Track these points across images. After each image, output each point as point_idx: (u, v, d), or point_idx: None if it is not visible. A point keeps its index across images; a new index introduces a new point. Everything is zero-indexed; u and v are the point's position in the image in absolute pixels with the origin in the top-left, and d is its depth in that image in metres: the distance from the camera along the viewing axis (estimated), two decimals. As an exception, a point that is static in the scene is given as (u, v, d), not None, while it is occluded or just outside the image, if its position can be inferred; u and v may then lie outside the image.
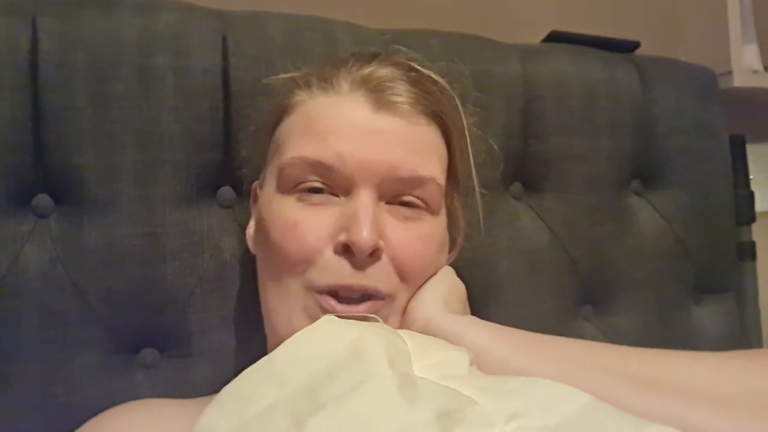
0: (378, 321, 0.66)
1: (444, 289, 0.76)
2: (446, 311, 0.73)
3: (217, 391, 0.73)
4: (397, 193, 0.73)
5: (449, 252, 0.83)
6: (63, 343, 0.82)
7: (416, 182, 0.73)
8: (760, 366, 0.60)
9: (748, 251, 1.25)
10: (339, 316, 0.64)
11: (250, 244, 0.82)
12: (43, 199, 0.84)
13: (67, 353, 0.82)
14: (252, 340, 0.83)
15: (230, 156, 0.90)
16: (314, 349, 0.56)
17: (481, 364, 0.64)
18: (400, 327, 0.73)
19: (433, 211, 0.76)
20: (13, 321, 0.81)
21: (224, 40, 0.90)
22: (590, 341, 0.70)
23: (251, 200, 0.84)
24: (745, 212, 1.25)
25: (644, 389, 0.59)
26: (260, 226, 0.77)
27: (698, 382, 0.59)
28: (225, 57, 0.90)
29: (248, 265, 0.84)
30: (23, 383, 0.81)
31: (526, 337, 0.69)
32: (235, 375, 0.57)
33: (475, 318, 0.74)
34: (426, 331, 0.70)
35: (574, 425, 0.49)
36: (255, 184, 0.83)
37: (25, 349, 0.81)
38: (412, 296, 0.75)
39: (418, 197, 0.74)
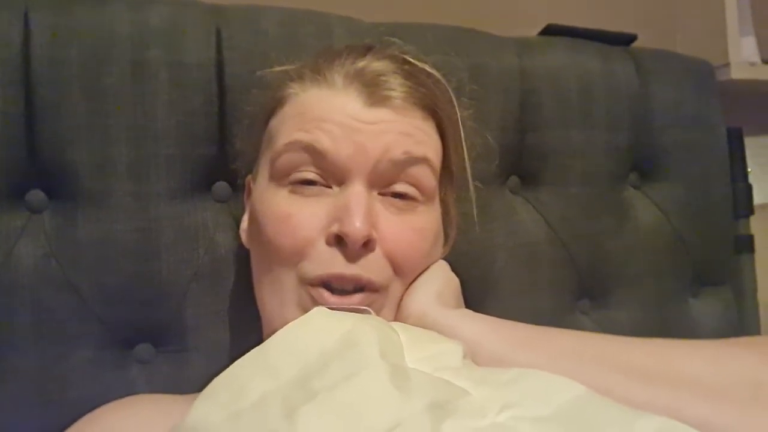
0: (370, 313, 0.66)
1: (438, 284, 0.76)
2: (440, 305, 0.73)
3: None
4: (390, 180, 0.72)
5: (443, 246, 0.82)
6: (57, 339, 0.82)
7: (409, 163, 0.73)
8: (757, 354, 0.60)
9: (746, 244, 1.25)
10: (331, 308, 0.63)
11: (243, 237, 0.82)
12: (36, 195, 0.84)
13: (61, 349, 0.82)
14: (247, 335, 0.82)
15: (225, 150, 0.89)
16: (306, 340, 0.56)
17: (475, 357, 0.64)
18: (395, 321, 0.73)
19: (427, 199, 0.75)
20: (7, 317, 0.80)
21: (218, 33, 0.90)
22: (585, 332, 0.70)
23: (245, 194, 0.84)
24: (743, 205, 1.24)
25: (639, 380, 0.59)
26: (253, 219, 0.77)
27: (694, 372, 0.59)
28: (219, 51, 0.89)
29: (243, 259, 0.84)
30: (17, 380, 0.81)
31: (520, 330, 0.69)
32: (230, 369, 0.57)
33: (469, 311, 0.74)
34: (420, 325, 0.70)
35: (567, 416, 0.49)
36: (249, 178, 0.83)
37: (19, 346, 0.81)
38: (406, 289, 0.75)
39: (411, 183, 0.73)
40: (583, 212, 1.09)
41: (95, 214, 0.84)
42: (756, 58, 1.44)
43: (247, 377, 0.54)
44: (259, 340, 0.76)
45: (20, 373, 0.81)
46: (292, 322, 0.59)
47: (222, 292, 0.89)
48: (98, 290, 0.84)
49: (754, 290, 1.26)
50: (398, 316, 0.74)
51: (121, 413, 0.75)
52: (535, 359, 0.64)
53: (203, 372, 0.86)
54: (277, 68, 0.82)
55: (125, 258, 0.85)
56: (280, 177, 0.73)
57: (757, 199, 1.27)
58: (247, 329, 0.82)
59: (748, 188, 1.26)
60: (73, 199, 0.84)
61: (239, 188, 0.89)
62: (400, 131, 0.73)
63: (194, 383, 0.82)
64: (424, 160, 0.74)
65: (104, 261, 0.84)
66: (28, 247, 0.82)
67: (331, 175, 0.71)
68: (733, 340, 0.65)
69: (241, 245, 0.84)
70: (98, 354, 0.84)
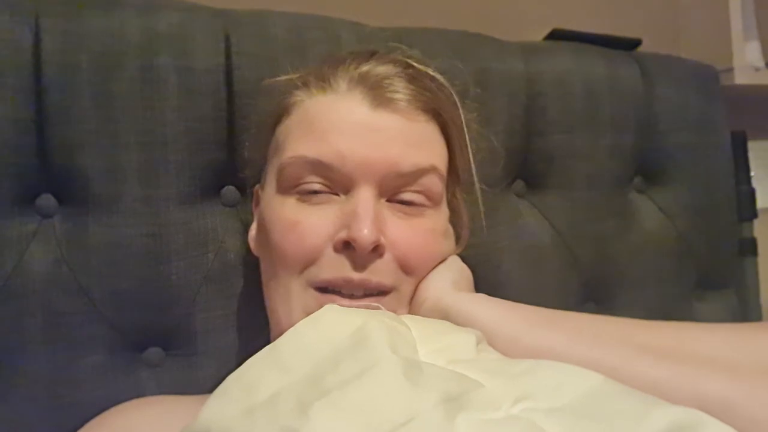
0: (380, 308, 0.66)
1: (453, 273, 0.77)
2: (456, 290, 0.74)
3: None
4: (398, 189, 0.73)
5: (456, 246, 0.83)
6: (68, 343, 0.83)
7: (417, 174, 0.73)
8: None
9: (750, 248, 1.25)
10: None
11: (252, 245, 0.83)
12: (47, 199, 0.84)
13: (72, 353, 0.83)
14: (256, 339, 0.82)
15: (234, 155, 0.90)
16: (318, 337, 0.56)
17: (493, 340, 0.65)
18: (410, 309, 0.74)
19: (434, 204, 0.76)
20: (18, 322, 0.81)
21: (227, 39, 0.90)
22: (601, 315, 0.70)
23: (253, 203, 0.85)
24: (747, 209, 1.25)
25: (657, 358, 0.59)
26: (262, 227, 0.78)
27: (710, 350, 0.60)
28: (228, 56, 0.90)
29: (252, 264, 0.84)
30: (29, 384, 0.81)
31: (537, 313, 0.70)
32: (240, 372, 0.58)
33: (484, 295, 0.74)
34: (436, 309, 0.71)
35: (582, 406, 0.49)
36: (257, 187, 0.83)
37: (31, 350, 0.81)
38: (417, 285, 0.75)
39: (419, 192, 0.74)
40: (588, 216, 1.09)
41: (105, 219, 0.84)
42: (760, 62, 1.44)
43: (259, 375, 0.54)
44: (268, 344, 0.77)
45: (31, 376, 0.81)
46: (303, 320, 0.60)
47: (231, 296, 0.90)
48: (109, 294, 0.84)
49: (758, 293, 1.26)
50: (414, 301, 0.74)
51: (130, 415, 0.76)
52: (554, 339, 0.64)
53: (212, 375, 0.87)
54: (283, 77, 0.82)
55: (135, 262, 0.85)
56: (287, 187, 0.74)
57: (761, 203, 1.27)
58: (256, 333, 0.82)
59: (752, 192, 1.26)
60: (83, 204, 0.84)
61: (247, 193, 0.89)
62: (407, 141, 0.73)
63: (203, 386, 0.83)
64: (432, 170, 0.75)
65: (114, 265, 0.84)
66: (39, 252, 0.82)
67: (338, 184, 0.72)
68: (745, 324, 0.66)
69: (249, 250, 0.84)
70: (108, 358, 0.84)
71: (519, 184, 1.07)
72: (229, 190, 0.92)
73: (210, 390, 0.78)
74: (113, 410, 0.77)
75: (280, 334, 0.71)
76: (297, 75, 0.80)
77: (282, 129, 0.77)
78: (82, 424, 0.76)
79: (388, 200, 0.73)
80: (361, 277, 0.70)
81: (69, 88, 0.83)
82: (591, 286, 1.10)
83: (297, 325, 0.59)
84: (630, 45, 1.19)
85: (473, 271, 0.83)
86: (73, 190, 0.84)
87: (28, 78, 0.82)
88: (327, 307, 0.62)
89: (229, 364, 0.88)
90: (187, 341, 0.88)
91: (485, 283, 0.97)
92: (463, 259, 0.84)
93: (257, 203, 0.83)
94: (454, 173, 0.81)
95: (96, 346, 0.84)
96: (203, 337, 0.88)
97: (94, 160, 0.84)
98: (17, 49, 0.82)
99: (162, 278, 0.86)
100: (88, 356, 0.83)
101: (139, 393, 0.83)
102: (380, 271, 0.71)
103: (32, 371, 0.81)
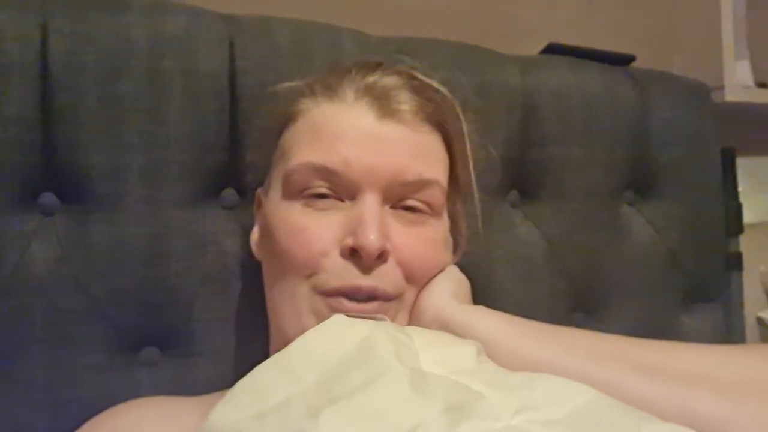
0: (385, 320, 0.67)
1: (453, 283, 0.78)
2: (456, 301, 0.75)
3: (217, 389, 0.74)
4: (401, 197, 0.74)
5: (454, 254, 0.84)
6: (67, 341, 0.83)
7: (421, 185, 0.75)
8: (761, 356, 0.62)
9: (736, 262, 1.27)
10: (348, 315, 0.65)
11: (254, 249, 0.83)
12: (49, 198, 0.84)
13: (71, 351, 0.83)
14: (253, 341, 0.84)
15: (235, 158, 0.91)
16: (326, 346, 0.57)
17: (492, 353, 0.66)
18: (411, 318, 0.75)
19: (436, 214, 0.77)
20: (19, 319, 0.81)
21: (231, 44, 0.91)
22: (597, 332, 0.72)
23: (255, 207, 0.85)
24: (734, 224, 1.27)
25: (653, 376, 0.61)
26: (266, 232, 0.78)
27: (703, 370, 0.61)
28: (232, 61, 0.90)
29: (251, 266, 0.85)
30: (26, 382, 0.81)
31: (535, 327, 0.71)
32: (236, 375, 0.58)
33: (484, 308, 0.75)
34: (437, 320, 0.72)
35: (580, 419, 0.50)
36: (259, 191, 0.84)
37: (30, 347, 0.81)
38: (419, 293, 0.76)
39: (422, 201, 0.75)
40: (579, 227, 1.11)
41: (107, 218, 0.85)
42: (750, 81, 1.47)
43: (269, 381, 0.55)
44: (265, 348, 0.78)
45: (29, 375, 0.81)
46: (311, 329, 0.60)
47: (229, 297, 0.90)
48: (108, 293, 0.85)
49: (742, 307, 1.28)
50: (414, 312, 0.76)
51: (127, 416, 0.76)
52: (552, 354, 0.66)
53: (208, 376, 0.88)
54: (288, 84, 0.83)
55: (135, 262, 0.86)
56: (293, 193, 0.74)
57: (747, 218, 1.29)
58: (253, 335, 0.83)
59: (739, 207, 1.28)
60: (85, 203, 0.85)
61: (246, 196, 0.90)
62: (411, 152, 0.75)
63: (199, 387, 0.83)
64: (434, 182, 0.76)
65: (115, 265, 0.85)
66: (41, 250, 0.83)
67: (343, 190, 0.73)
68: (735, 345, 0.68)
69: (248, 253, 0.85)
70: (106, 357, 0.85)
71: (514, 195, 1.09)
72: (229, 193, 0.92)
73: (206, 391, 0.80)
74: (107, 412, 0.77)
75: (281, 337, 0.72)
76: (303, 83, 0.81)
77: (288, 136, 0.78)
78: (78, 423, 0.76)
79: (391, 207, 0.74)
80: (369, 285, 0.70)
81: (75, 89, 0.83)
82: (581, 296, 1.11)
83: (305, 335, 0.59)
84: (624, 61, 1.20)
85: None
86: (76, 188, 0.85)
87: (35, 77, 0.82)
88: (334, 317, 0.63)
89: (225, 365, 0.89)
90: (184, 341, 0.89)
91: (477, 291, 0.98)
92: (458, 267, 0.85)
93: (259, 207, 0.83)
94: (454, 183, 0.82)
95: (94, 345, 0.84)
96: (200, 337, 0.89)
97: (98, 159, 0.84)
98: (24, 48, 0.82)
99: (161, 278, 0.87)
100: (86, 355, 0.84)
101: (134, 392, 0.83)
102: (385, 278, 0.72)
103: (30, 370, 0.81)
